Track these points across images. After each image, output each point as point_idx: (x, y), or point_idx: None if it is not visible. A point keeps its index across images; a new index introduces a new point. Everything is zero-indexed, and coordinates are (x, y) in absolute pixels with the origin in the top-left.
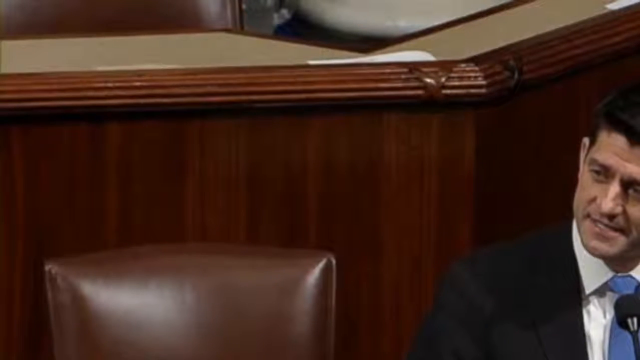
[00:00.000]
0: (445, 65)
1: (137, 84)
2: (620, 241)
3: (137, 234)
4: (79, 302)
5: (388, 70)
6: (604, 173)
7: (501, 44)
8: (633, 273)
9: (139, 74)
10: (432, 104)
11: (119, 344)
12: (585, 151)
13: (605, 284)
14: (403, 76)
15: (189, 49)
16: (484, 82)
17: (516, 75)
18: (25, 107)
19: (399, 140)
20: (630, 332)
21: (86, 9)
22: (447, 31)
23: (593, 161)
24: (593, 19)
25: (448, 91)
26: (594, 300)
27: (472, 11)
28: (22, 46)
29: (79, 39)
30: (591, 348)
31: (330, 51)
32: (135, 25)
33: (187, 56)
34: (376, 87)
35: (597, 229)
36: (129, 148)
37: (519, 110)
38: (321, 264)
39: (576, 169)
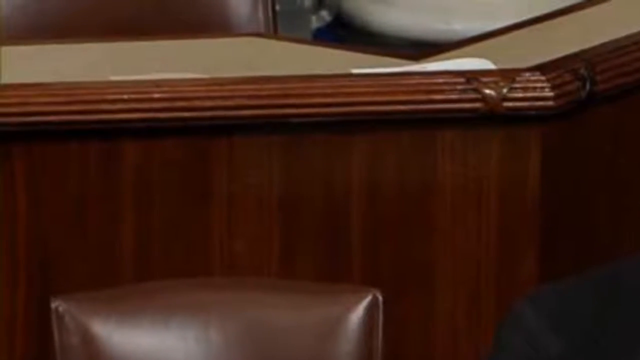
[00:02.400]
0: (507, 75)
1: (156, 96)
2: None
3: (156, 267)
4: (90, 344)
5: (442, 80)
6: None
7: (571, 50)
8: None
9: (158, 84)
10: (492, 118)
11: None
12: None
13: None
14: (459, 87)
15: (215, 55)
16: (551, 94)
17: (588, 86)
18: (29, 122)
19: (455, 160)
20: None
21: (98, 10)
22: (510, 35)
23: None
24: None
25: (510, 104)
26: None
27: (538, 13)
28: (24, 52)
29: (90, 45)
30: None
31: (376, 58)
32: (154, 29)
33: (213, 64)
34: (428, 100)
35: None
36: (147, 169)
37: (591, 125)
38: (366, 301)
39: None
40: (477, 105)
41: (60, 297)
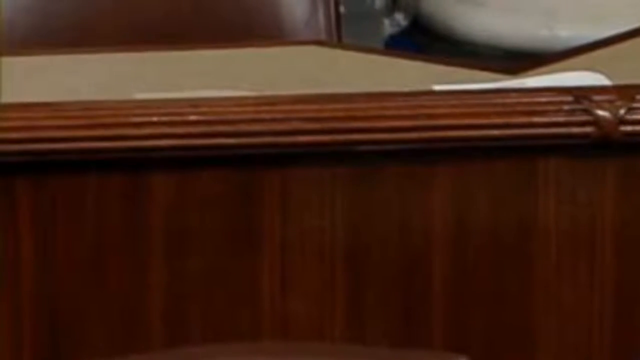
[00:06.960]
0: (625, 92)
1: (193, 118)
2: None
3: (192, 329)
4: None
5: (544, 99)
6: None
7: None
8: None
9: (195, 104)
10: (606, 145)
11: None
12: None
13: None
14: (566, 107)
15: (266, 68)
16: None
17: None
18: (35, 150)
19: (560, 197)
20: None
21: (121, 10)
22: (628, 44)
23: None
24: None
25: (629, 128)
26: None
27: None
28: (30, 64)
29: (111, 55)
30: None
31: (463, 72)
32: (189, 35)
33: (262, 79)
34: (528, 123)
35: None
36: (181, 208)
37: None
38: None
39: None
40: (589, 129)
41: None
